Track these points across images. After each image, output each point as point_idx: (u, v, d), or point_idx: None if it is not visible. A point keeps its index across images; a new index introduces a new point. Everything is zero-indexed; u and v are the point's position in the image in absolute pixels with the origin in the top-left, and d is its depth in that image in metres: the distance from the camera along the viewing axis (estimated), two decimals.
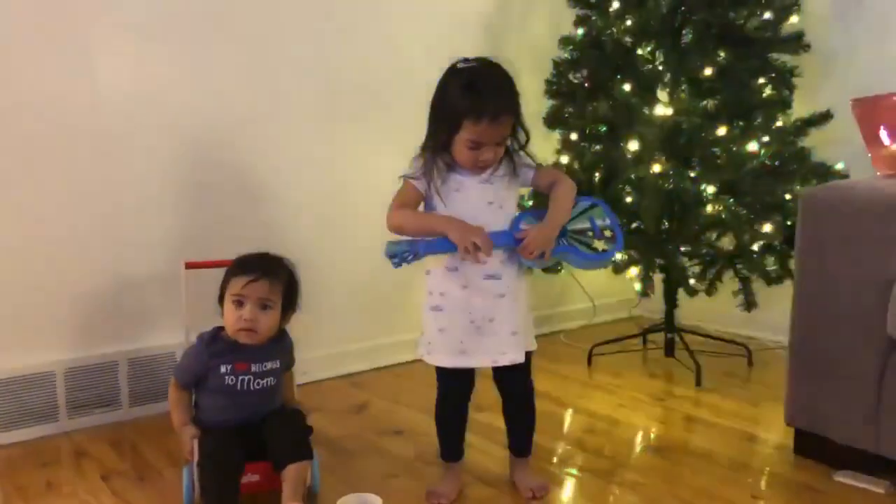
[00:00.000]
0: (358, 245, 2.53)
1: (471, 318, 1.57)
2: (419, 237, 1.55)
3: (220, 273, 1.74)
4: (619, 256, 2.50)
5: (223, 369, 1.64)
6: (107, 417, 2.17)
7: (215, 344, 1.67)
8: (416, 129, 1.61)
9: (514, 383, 1.67)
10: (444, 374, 1.64)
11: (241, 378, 1.65)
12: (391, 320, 2.66)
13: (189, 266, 2.00)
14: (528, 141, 1.61)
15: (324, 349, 2.49)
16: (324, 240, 2.50)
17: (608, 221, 1.67)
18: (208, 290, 1.76)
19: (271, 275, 1.65)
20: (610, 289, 3.14)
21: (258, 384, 1.66)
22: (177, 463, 1.89)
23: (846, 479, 1.71)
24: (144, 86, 2.17)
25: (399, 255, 1.51)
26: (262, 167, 2.39)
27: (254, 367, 1.66)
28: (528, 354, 1.63)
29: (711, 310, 2.76)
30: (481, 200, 1.57)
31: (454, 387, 1.66)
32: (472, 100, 1.48)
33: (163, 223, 2.23)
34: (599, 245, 1.65)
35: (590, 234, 1.64)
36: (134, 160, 2.18)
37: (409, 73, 2.52)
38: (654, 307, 2.96)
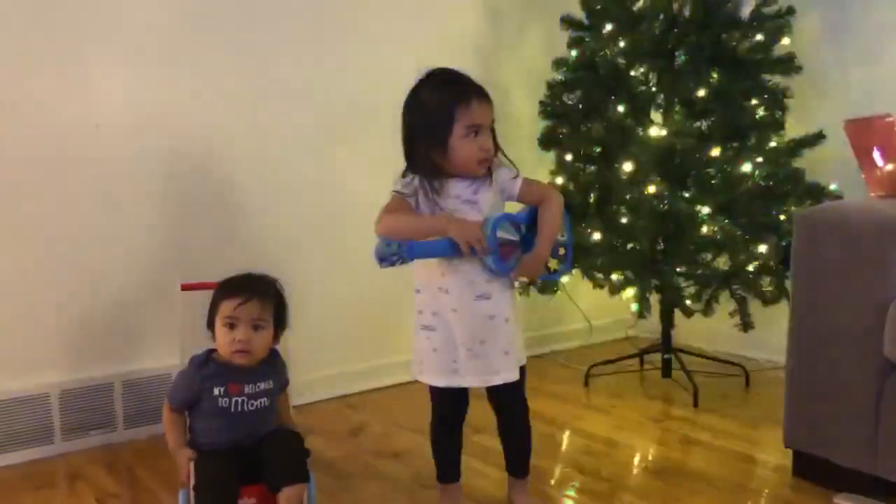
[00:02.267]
0: (352, 266, 2.53)
1: (461, 339, 1.55)
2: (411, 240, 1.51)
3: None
4: (614, 277, 2.51)
5: (216, 391, 1.63)
6: (102, 439, 2.16)
7: (207, 366, 1.66)
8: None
9: (508, 401, 1.65)
10: (437, 394, 1.63)
11: (234, 400, 1.63)
12: (386, 341, 2.65)
13: (185, 288, 2.00)
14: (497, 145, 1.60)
15: (319, 371, 2.48)
16: (318, 261, 2.50)
17: (565, 238, 1.64)
18: (204, 312, 1.76)
19: (261, 295, 1.64)
20: (606, 309, 3.14)
21: (252, 405, 1.65)
22: (172, 486, 1.87)
23: (845, 501, 1.70)
24: (140, 110, 2.18)
25: (388, 258, 1.46)
26: (255, 189, 2.39)
27: (247, 389, 1.65)
28: (522, 369, 1.62)
29: (708, 330, 2.76)
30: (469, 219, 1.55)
31: (448, 407, 1.65)
32: (453, 87, 1.52)
33: (157, 245, 2.24)
34: (553, 264, 1.63)
35: None
36: (129, 183, 2.18)
37: (402, 95, 2.54)
38: (651, 327, 2.96)
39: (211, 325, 1.67)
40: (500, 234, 1.53)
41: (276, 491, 1.55)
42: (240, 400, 1.63)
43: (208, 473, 1.52)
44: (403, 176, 1.59)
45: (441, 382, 1.58)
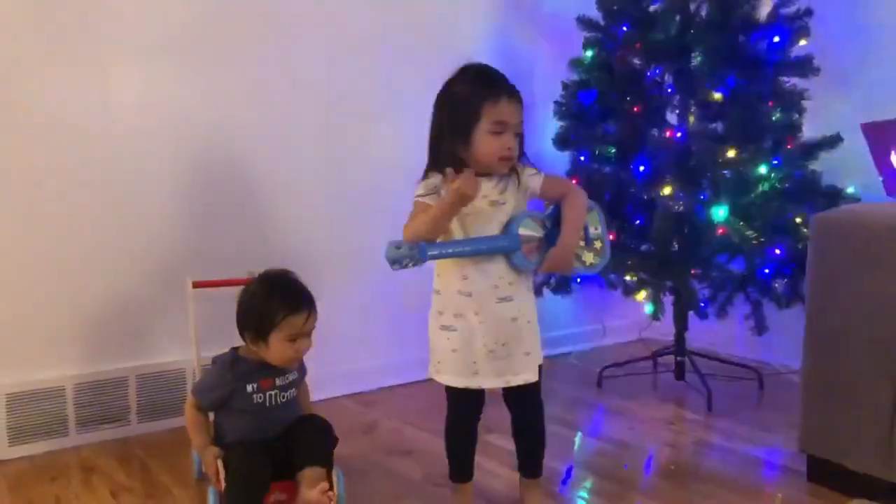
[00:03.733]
0: (366, 264, 2.53)
1: (484, 341, 1.55)
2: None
3: (225, 291, 1.73)
4: (628, 278, 2.50)
5: (249, 388, 1.65)
6: (115, 433, 2.18)
7: (238, 366, 1.67)
8: (423, 148, 1.60)
9: (525, 401, 1.65)
10: (454, 394, 1.63)
11: (268, 394, 1.66)
12: (399, 339, 2.66)
13: (196, 285, 2.01)
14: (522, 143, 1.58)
15: (332, 367, 2.49)
16: (332, 258, 2.51)
17: (600, 230, 1.63)
18: (216, 308, 1.77)
19: (314, 307, 1.67)
20: (619, 311, 3.13)
21: (283, 397, 1.68)
22: (185, 481, 1.89)
23: None
24: (154, 107, 2.21)
25: (398, 260, 1.44)
26: (269, 186, 2.41)
27: (278, 381, 1.67)
28: (539, 369, 1.62)
29: (722, 333, 2.75)
30: (494, 222, 1.55)
31: (464, 407, 1.64)
32: (486, 83, 1.51)
33: (172, 241, 2.25)
34: (588, 257, 1.61)
35: (581, 243, 1.60)
36: (144, 180, 2.20)
37: (418, 94, 2.54)
38: (665, 329, 2.94)
39: (261, 335, 1.64)
40: (524, 231, 1.53)
41: (299, 471, 1.57)
42: (272, 394, 1.66)
43: (239, 467, 1.53)
44: (425, 176, 1.58)
45: (460, 383, 1.58)
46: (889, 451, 1.63)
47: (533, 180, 1.59)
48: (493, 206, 1.55)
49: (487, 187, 1.55)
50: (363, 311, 2.60)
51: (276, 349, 1.63)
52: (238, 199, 2.36)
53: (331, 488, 1.58)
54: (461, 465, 1.69)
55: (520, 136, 1.55)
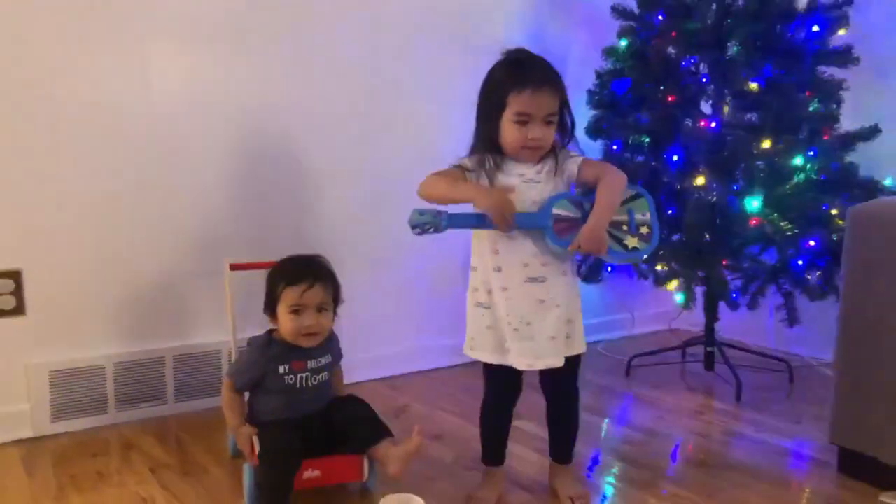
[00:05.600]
0: (397, 250, 2.57)
1: (508, 319, 1.57)
2: (445, 206, 1.54)
3: (262, 273, 1.78)
4: (659, 268, 2.50)
5: (282, 370, 1.69)
6: (152, 411, 2.24)
7: (271, 348, 1.71)
8: (457, 137, 1.62)
9: (557, 387, 1.67)
10: (491, 374, 1.65)
11: (300, 376, 1.70)
12: (428, 325, 2.69)
13: (233, 268, 2.06)
14: (574, 126, 1.61)
15: (362, 352, 2.52)
16: (363, 243, 2.54)
17: (647, 216, 1.62)
18: (252, 291, 1.80)
19: (323, 279, 1.70)
20: (649, 300, 3.13)
21: (315, 380, 1.71)
22: (220, 459, 1.94)
23: (892, 500, 1.68)
24: (194, 91, 2.24)
25: (420, 226, 1.50)
26: (305, 170, 2.44)
27: (310, 364, 1.71)
28: (577, 358, 1.63)
29: (752, 325, 2.74)
30: (527, 201, 1.57)
31: (500, 386, 1.67)
32: (514, 72, 1.53)
33: (211, 224, 2.29)
34: (631, 242, 1.60)
35: (624, 227, 1.60)
36: (184, 163, 2.24)
37: (453, 81, 2.57)
38: (694, 320, 2.94)
39: (271, 310, 1.71)
40: (558, 210, 1.54)
41: (363, 452, 1.64)
42: (304, 376, 1.70)
43: (273, 443, 1.58)
44: (471, 152, 1.61)
45: (493, 359, 1.60)
46: None
47: (571, 164, 1.60)
48: (526, 184, 1.58)
49: (525, 166, 1.57)
50: (393, 296, 2.63)
51: (282, 322, 1.68)
52: (276, 182, 2.39)
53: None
54: (494, 447, 1.71)
55: (555, 124, 1.56)
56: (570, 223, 1.56)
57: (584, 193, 1.62)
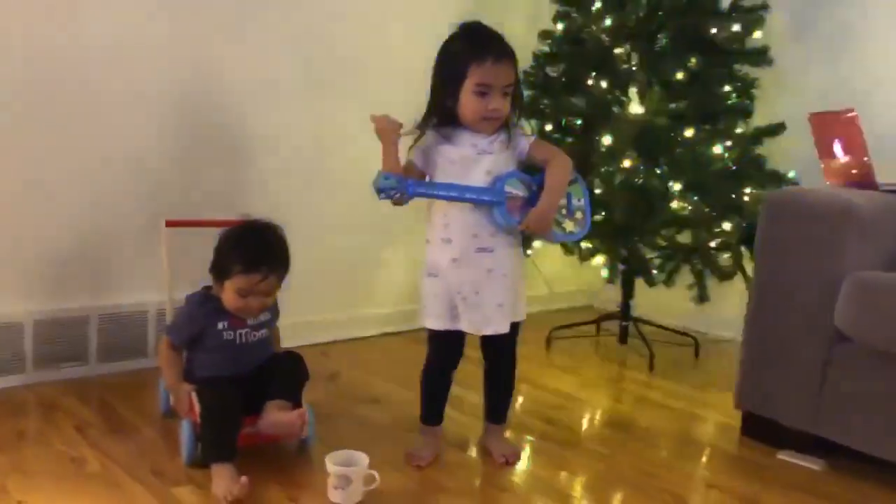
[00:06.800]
0: (333, 217, 2.58)
1: (458, 288, 1.64)
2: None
3: (199, 232, 1.74)
4: (584, 245, 2.63)
5: (220, 326, 1.68)
6: (74, 372, 2.16)
7: (209, 303, 1.70)
8: (397, 103, 1.65)
9: (498, 350, 1.76)
10: (435, 338, 1.72)
11: (239, 332, 1.69)
12: (361, 294, 2.72)
13: (170, 224, 2.02)
14: (523, 100, 1.69)
15: (292, 317, 2.51)
16: (300, 210, 2.52)
17: (582, 202, 1.72)
18: (186, 248, 1.78)
19: (278, 270, 1.68)
20: (567, 277, 3.27)
21: (254, 336, 1.72)
22: (150, 418, 1.91)
23: (788, 457, 1.87)
24: (131, 42, 2.16)
25: (385, 190, 1.54)
26: (244, 131, 2.40)
27: (250, 321, 1.71)
28: (516, 325, 1.72)
29: (662, 304, 2.92)
30: (480, 171, 1.63)
31: (443, 350, 1.73)
32: (474, 44, 1.59)
33: (142, 180, 2.22)
34: (568, 225, 1.71)
35: (563, 211, 1.69)
36: (116, 116, 2.16)
37: (389, 50, 2.60)
38: (607, 297, 3.10)
39: (218, 275, 1.68)
40: (509, 188, 1.61)
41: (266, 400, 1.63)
42: (244, 332, 1.69)
43: (215, 400, 1.57)
44: (419, 127, 1.65)
45: (441, 326, 1.67)
46: (817, 408, 1.81)
47: (523, 141, 1.67)
48: (479, 156, 1.63)
49: (477, 138, 1.63)
50: (326, 263, 2.63)
51: (227, 296, 1.68)
52: (211, 141, 2.34)
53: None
54: (434, 409, 1.78)
55: (511, 96, 1.62)
56: (518, 201, 1.64)
57: (529, 172, 1.70)
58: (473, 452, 1.83)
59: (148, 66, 2.19)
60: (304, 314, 2.57)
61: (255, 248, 1.68)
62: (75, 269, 2.15)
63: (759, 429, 1.98)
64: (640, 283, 2.71)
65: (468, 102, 1.59)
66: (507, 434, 1.89)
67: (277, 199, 2.45)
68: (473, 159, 1.63)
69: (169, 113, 2.25)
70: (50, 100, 2.05)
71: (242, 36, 2.36)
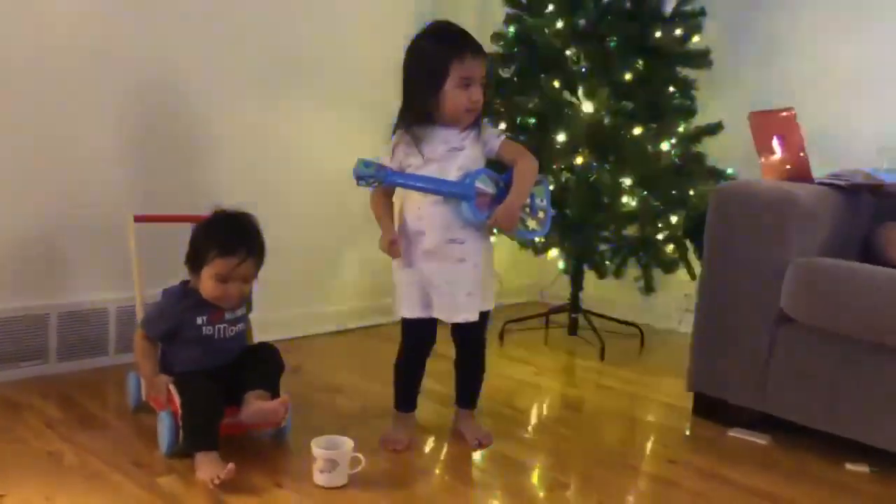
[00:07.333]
0: (295, 213, 2.59)
1: (430, 278, 1.71)
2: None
3: (165, 228, 1.72)
4: (538, 239, 2.73)
5: (199, 320, 1.69)
6: (32, 371, 2.11)
7: (188, 298, 1.70)
8: (355, 100, 1.70)
9: (468, 338, 1.83)
10: (409, 325, 1.77)
11: (217, 327, 1.70)
12: (321, 291, 2.73)
13: (138, 219, 2.00)
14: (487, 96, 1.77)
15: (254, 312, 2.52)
16: (262, 205, 2.51)
17: (545, 203, 1.81)
18: (154, 244, 1.76)
19: (255, 253, 1.71)
20: (515, 272, 3.36)
21: (232, 330, 1.73)
22: (119, 412, 1.89)
23: (737, 434, 2.00)
24: (94, 39, 2.13)
25: (364, 178, 1.61)
26: (206, 128, 2.39)
27: (227, 315, 1.72)
28: (486, 314, 1.79)
29: (606, 298, 3.04)
30: (452, 166, 1.70)
31: (416, 338, 1.79)
32: (452, 41, 1.66)
33: (104, 176, 2.19)
34: (531, 224, 1.79)
35: (527, 210, 1.78)
36: (76, 110, 2.13)
37: (346, 48, 2.63)
38: (555, 292, 3.21)
39: (193, 266, 1.70)
40: (478, 185, 1.68)
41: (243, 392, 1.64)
42: (222, 327, 1.70)
43: (195, 389, 1.58)
44: (396, 126, 1.71)
45: (414, 314, 1.73)
46: (764, 387, 1.95)
47: (492, 138, 1.75)
48: (451, 152, 1.70)
49: (451, 134, 1.70)
50: (286, 259, 2.63)
51: (205, 285, 1.69)
52: (173, 138, 2.32)
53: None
54: (407, 395, 1.84)
55: (484, 87, 1.70)
56: (487, 198, 1.71)
57: (496, 170, 1.77)
58: (447, 437, 1.89)
59: (111, 62, 2.16)
60: (264, 311, 2.57)
61: (232, 232, 1.70)
62: (35, 265, 2.11)
63: (709, 409, 2.11)
64: (587, 277, 2.83)
65: (453, 97, 1.65)
66: (483, 416, 1.96)
67: (241, 197, 2.43)
68: (446, 158, 1.69)
69: (129, 112, 2.22)
70: (9, 96, 2.01)
71: (207, 34, 2.35)
